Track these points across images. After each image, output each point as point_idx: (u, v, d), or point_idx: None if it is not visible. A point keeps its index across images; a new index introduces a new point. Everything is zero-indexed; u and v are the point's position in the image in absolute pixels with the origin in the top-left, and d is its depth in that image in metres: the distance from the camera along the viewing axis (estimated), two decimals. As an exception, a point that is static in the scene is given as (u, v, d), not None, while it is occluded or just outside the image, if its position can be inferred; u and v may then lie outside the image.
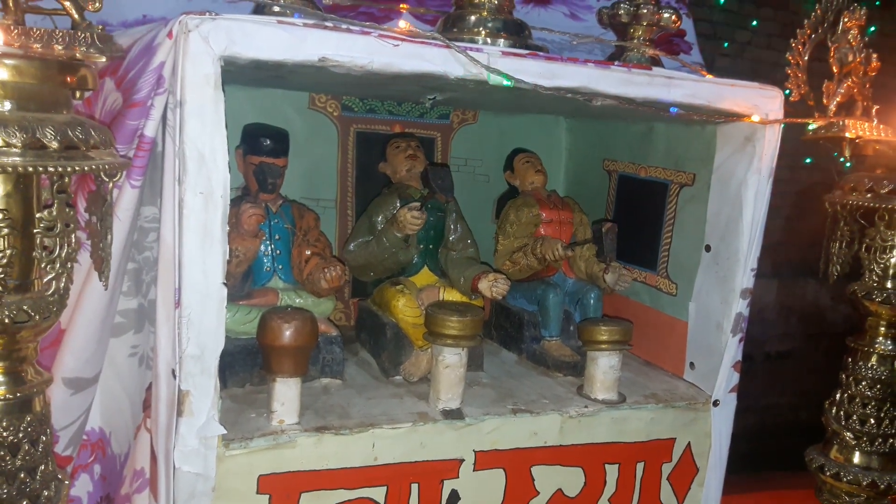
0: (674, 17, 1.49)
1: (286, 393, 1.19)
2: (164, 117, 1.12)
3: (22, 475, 0.94)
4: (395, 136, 1.71)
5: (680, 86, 1.33)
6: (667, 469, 1.45)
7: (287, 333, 1.17)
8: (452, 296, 1.50)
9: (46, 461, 0.96)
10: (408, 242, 1.50)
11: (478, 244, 1.63)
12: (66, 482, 0.99)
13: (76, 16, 0.93)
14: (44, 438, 0.96)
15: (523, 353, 1.62)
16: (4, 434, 0.92)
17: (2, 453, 0.92)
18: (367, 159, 1.77)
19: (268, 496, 1.17)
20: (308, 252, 1.44)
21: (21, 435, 0.93)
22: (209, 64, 1.04)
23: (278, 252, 1.44)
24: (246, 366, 1.33)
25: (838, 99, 1.39)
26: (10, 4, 0.90)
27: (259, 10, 1.24)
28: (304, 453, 1.18)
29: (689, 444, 1.45)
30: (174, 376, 1.10)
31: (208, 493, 1.12)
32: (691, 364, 1.55)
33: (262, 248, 1.41)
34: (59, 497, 0.97)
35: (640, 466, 1.42)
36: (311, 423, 1.22)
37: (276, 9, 1.22)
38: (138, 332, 1.30)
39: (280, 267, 1.44)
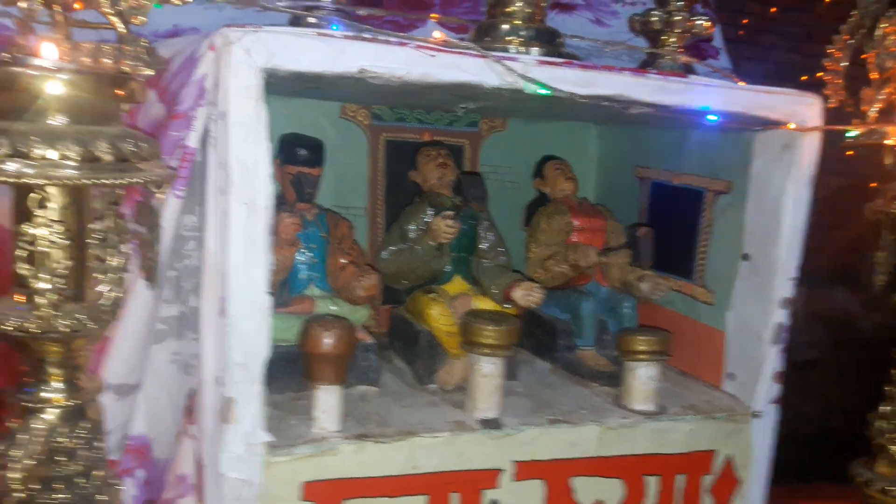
0: (706, 23, 1.51)
1: (328, 400, 1.23)
2: (206, 128, 1.16)
3: (79, 480, 0.98)
4: (425, 144, 1.75)
5: (716, 93, 1.36)
6: (707, 482, 1.47)
7: (329, 341, 1.22)
8: (485, 304, 1.54)
9: (101, 466, 1.00)
10: (440, 251, 1.53)
11: (509, 252, 1.66)
12: (121, 487, 1.02)
13: (123, 30, 0.97)
14: (98, 444, 1.00)
15: (557, 362, 1.65)
16: (62, 440, 0.97)
17: (60, 459, 0.96)
18: (397, 167, 1.81)
19: (311, 503, 1.20)
20: (343, 260, 1.48)
21: (78, 441, 0.98)
22: (251, 76, 1.09)
23: (314, 260, 1.48)
24: (285, 373, 1.37)
25: (878, 105, 1.41)
26: (60, 20, 0.95)
27: (296, 21, 1.28)
28: (345, 461, 1.23)
29: (729, 456, 1.48)
30: (219, 384, 1.14)
31: (254, 499, 1.16)
32: (730, 375, 1.57)
33: (299, 256, 1.45)
34: (114, 501, 1.01)
35: (679, 479, 1.44)
36: (352, 430, 1.26)
37: (313, 20, 1.26)
38: (179, 339, 1.34)
39: (316, 275, 1.48)
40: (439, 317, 1.49)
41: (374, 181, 1.83)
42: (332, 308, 1.44)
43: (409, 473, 1.26)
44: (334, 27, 1.25)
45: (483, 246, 1.62)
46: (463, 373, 1.45)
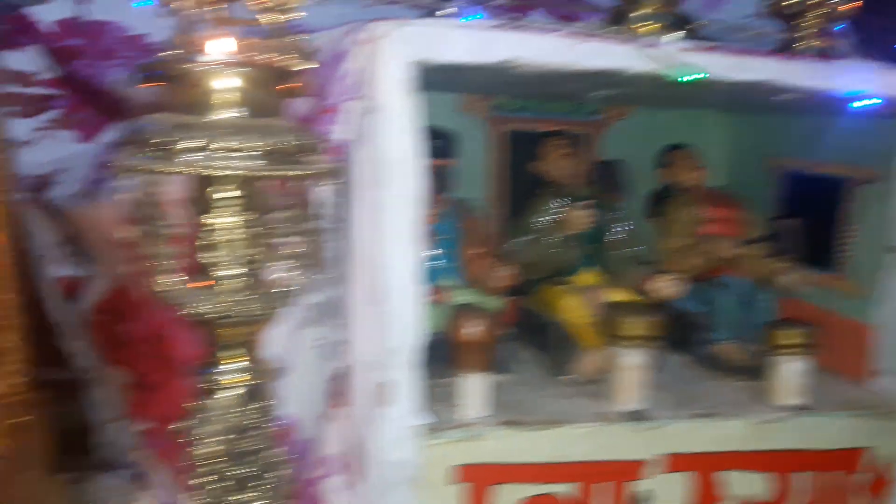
0: (845, 5, 1.47)
1: (475, 387, 1.28)
2: (355, 122, 1.21)
3: (253, 457, 1.05)
4: (549, 134, 1.76)
5: (870, 76, 1.33)
6: (857, 480, 1.44)
7: (477, 330, 1.26)
8: (618, 295, 1.54)
9: (273, 444, 1.07)
10: (572, 242, 1.55)
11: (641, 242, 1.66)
12: (288, 467, 1.09)
13: (283, 26, 1.03)
14: (271, 424, 1.07)
15: (692, 355, 1.64)
16: (239, 418, 1.04)
17: (240, 436, 1.03)
18: (518, 158, 1.84)
19: (460, 486, 1.27)
20: (476, 251, 1.52)
21: (253, 420, 1.05)
22: (402, 69, 1.13)
23: (448, 251, 1.52)
24: (426, 359, 1.40)
25: None
26: (222, 16, 1.00)
27: (431, 13, 1.32)
28: (493, 447, 1.28)
29: (882, 454, 1.45)
30: (375, 369, 1.19)
31: (409, 481, 1.21)
32: (880, 370, 1.53)
33: (434, 247, 1.49)
34: (283, 479, 1.07)
35: (829, 476, 1.42)
36: (499, 417, 1.30)
37: (450, 10, 1.30)
38: (320, 325, 1.40)
39: (450, 265, 1.52)
40: (573, 308, 1.51)
41: (496, 172, 1.86)
42: (468, 298, 1.48)
43: (556, 462, 1.29)
44: (478, 16, 1.29)
45: (615, 236, 1.63)
46: (599, 364, 1.47)
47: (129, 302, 1.77)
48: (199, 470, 1.04)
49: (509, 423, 1.28)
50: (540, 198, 1.64)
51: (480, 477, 1.27)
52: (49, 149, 1.93)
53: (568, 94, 1.71)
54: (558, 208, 1.56)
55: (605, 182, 1.52)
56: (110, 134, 1.98)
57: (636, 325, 1.34)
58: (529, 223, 1.61)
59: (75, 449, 1.81)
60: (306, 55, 1.03)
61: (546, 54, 1.18)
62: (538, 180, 1.73)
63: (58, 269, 1.96)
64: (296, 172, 0.97)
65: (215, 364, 1.05)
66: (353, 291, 1.26)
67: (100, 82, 1.89)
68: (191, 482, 1.07)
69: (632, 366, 1.36)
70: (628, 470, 1.33)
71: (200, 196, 0.99)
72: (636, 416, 1.35)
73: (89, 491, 1.84)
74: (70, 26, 1.92)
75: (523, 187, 1.79)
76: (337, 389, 1.39)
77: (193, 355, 1.59)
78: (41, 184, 1.90)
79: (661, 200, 1.79)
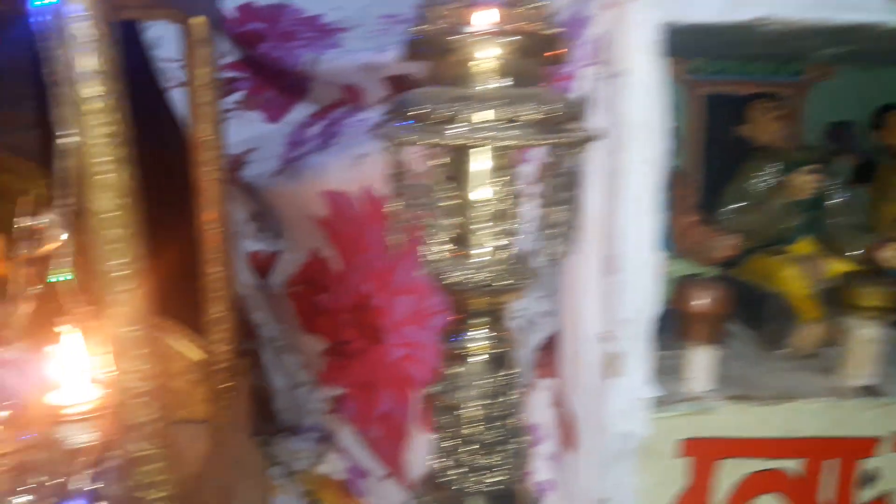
0: None
1: (703, 360, 1.26)
2: (592, 87, 1.19)
3: (500, 423, 1.08)
4: (756, 97, 1.69)
5: None
6: None
7: (709, 302, 1.23)
8: (840, 265, 1.47)
9: (515, 413, 1.09)
10: (792, 208, 1.49)
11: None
12: (528, 435, 1.11)
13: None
14: (514, 392, 1.09)
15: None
16: (486, 384, 1.06)
17: (490, 401, 1.06)
18: (716, 122, 1.77)
19: (687, 459, 1.25)
20: (689, 219, 1.48)
21: (499, 386, 1.07)
22: (650, 31, 1.09)
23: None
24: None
25: None
26: None
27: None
28: (721, 421, 1.25)
29: None
30: (604, 340, 1.19)
31: (635, 452, 1.21)
32: None
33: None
34: (524, 445, 1.10)
35: None
36: (724, 391, 1.28)
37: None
38: (522, 297, 1.41)
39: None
40: (793, 279, 1.45)
41: (693, 137, 1.80)
42: (681, 269, 1.45)
43: (784, 437, 1.26)
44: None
45: (837, 202, 1.55)
46: (818, 337, 1.42)
47: (327, 273, 1.84)
48: (449, 433, 1.08)
49: (738, 398, 1.26)
50: (752, 163, 1.58)
51: (707, 451, 1.25)
52: (238, 129, 2.00)
53: (790, 55, 1.63)
54: (775, 174, 1.50)
55: (838, 144, 1.44)
56: (296, 113, 2.04)
57: (874, 296, 1.27)
58: (743, 190, 1.55)
59: (260, 413, 1.92)
60: (554, 21, 1.02)
61: (799, 10, 1.12)
62: (738, 144, 1.66)
63: (249, 244, 2.07)
64: (564, 140, 0.97)
65: (465, 332, 1.08)
66: (582, 261, 1.25)
67: (283, 63, 1.93)
68: (440, 445, 1.11)
69: (866, 338, 1.30)
70: (861, 447, 1.28)
71: (464, 167, 1.01)
72: (869, 392, 1.29)
73: (278, 452, 1.96)
74: (249, 11, 1.98)
75: (720, 152, 1.73)
76: (543, 359, 1.40)
77: (401, 323, 1.66)
78: (233, 162, 1.99)
79: (874, 164, 1.69)
